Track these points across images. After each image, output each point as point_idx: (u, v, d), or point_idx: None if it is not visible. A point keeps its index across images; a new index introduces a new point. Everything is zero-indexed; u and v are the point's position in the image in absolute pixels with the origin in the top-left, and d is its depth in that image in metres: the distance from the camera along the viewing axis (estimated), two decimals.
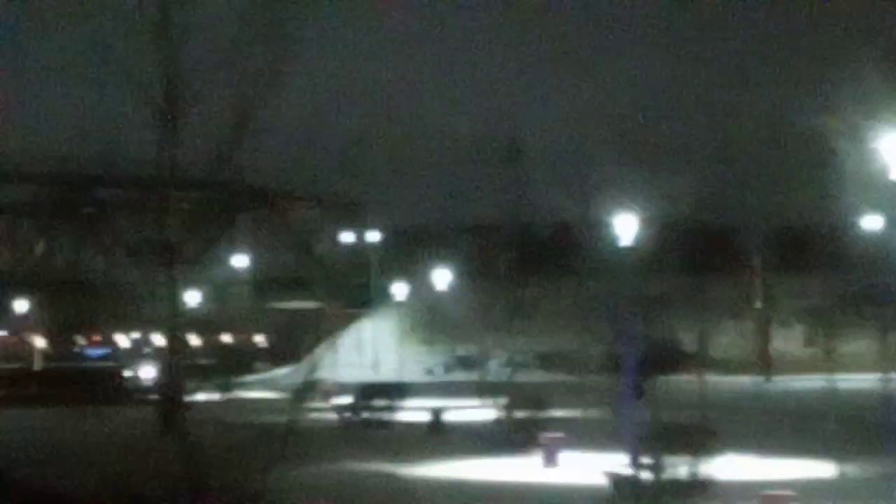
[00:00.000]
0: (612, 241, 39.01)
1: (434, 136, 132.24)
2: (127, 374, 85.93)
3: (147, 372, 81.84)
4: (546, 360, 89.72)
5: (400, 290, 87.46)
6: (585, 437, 40.84)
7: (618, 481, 30.43)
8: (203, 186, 24.21)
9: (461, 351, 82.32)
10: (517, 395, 52.86)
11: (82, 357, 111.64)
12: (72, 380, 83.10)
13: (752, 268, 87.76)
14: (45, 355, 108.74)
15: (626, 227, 38.47)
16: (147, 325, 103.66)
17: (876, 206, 36.04)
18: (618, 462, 31.82)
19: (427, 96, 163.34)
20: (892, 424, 26.64)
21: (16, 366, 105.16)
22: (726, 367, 73.25)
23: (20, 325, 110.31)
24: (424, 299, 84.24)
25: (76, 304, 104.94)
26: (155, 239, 26.32)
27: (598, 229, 41.50)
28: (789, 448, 37.64)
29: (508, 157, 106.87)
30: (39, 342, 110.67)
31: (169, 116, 22.04)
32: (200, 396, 40.75)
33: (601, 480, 30.80)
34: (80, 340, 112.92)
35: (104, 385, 77.84)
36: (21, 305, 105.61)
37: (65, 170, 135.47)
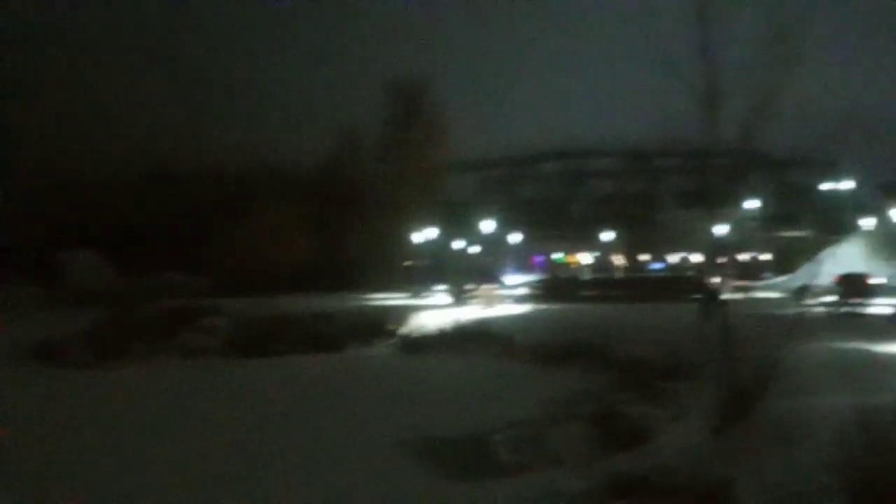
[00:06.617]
0: None
1: None
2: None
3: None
4: None
5: (868, 223, 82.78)
6: None
7: None
8: (729, 154, 23.55)
9: None
10: None
11: (647, 269, 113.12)
12: (640, 285, 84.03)
13: None
14: (623, 268, 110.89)
15: None
16: (688, 247, 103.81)
17: None
18: None
19: None
20: None
21: (605, 275, 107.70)
22: None
23: (607, 248, 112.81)
24: (886, 229, 79.14)
25: (642, 234, 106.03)
26: (696, 191, 25.82)
27: None
28: None
29: None
30: (618, 260, 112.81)
31: (709, 104, 21.35)
32: (726, 294, 39.86)
33: None
34: (645, 258, 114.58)
35: (661, 288, 78.14)
36: (607, 235, 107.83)
37: (634, 145, 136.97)
